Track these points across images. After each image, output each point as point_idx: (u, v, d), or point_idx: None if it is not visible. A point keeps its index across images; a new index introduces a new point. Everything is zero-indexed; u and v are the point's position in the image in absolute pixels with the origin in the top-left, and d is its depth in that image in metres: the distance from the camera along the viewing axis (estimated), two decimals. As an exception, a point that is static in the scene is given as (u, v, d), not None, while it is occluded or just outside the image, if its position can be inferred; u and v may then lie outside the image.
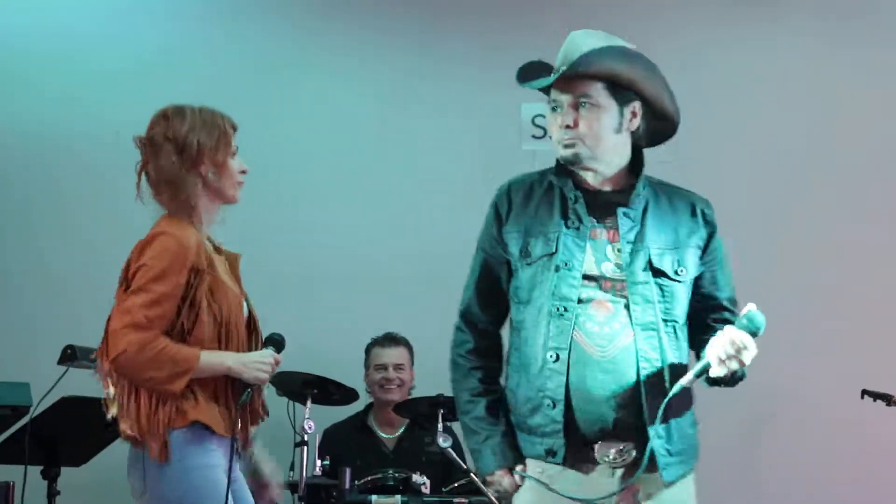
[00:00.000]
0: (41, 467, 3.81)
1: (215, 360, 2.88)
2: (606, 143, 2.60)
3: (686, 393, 2.59)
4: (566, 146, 2.58)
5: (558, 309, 2.57)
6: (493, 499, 3.70)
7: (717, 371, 2.48)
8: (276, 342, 3.05)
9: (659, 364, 2.56)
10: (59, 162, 4.97)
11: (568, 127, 2.57)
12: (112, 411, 2.89)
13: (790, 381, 5.19)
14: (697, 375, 2.53)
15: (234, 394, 2.93)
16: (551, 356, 2.56)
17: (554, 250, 2.60)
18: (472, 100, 5.09)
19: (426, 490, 4.05)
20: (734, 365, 2.49)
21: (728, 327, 2.50)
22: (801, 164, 5.32)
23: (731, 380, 2.58)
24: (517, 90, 2.76)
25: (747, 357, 2.48)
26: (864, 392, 4.73)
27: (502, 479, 2.66)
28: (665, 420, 2.54)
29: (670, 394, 2.50)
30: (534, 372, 2.60)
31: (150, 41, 5.16)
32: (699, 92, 5.26)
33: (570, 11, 4.74)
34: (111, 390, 2.87)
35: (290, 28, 5.33)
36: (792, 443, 5.28)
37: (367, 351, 4.81)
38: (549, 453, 2.58)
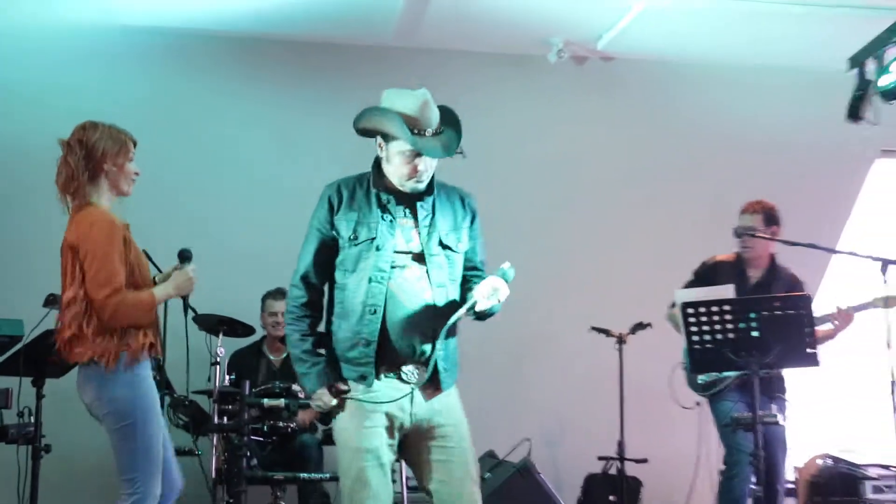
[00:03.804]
0: (31, 378, 4.15)
1: (162, 291, 3.27)
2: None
3: (453, 328, 3.05)
4: (418, 182, 2.98)
5: (376, 277, 2.96)
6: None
7: (482, 305, 2.94)
8: (188, 256, 3.35)
9: (446, 309, 2.98)
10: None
11: (421, 171, 2.96)
12: (65, 342, 3.20)
13: (539, 322, 6.19)
14: (469, 309, 2.96)
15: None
16: (370, 309, 2.94)
17: (374, 235, 2.98)
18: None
19: (301, 396, 4.61)
20: (494, 300, 2.94)
21: (489, 276, 2.95)
22: (545, 180, 6.37)
23: (490, 314, 3.03)
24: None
25: (502, 295, 2.94)
26: (592, 328, 5.36)
27: (323, 395, 3.00)
28: (447, 340, 2.98)
29: (448, 323, 2.96)
30: (354, 320, 2.96)
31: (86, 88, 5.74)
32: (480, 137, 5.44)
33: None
34: (71, 330, 3.17)
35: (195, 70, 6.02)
36: (543, 368, 6.12)
37: (263, 300, 5.65)
38: (362, 378, 2.97)
